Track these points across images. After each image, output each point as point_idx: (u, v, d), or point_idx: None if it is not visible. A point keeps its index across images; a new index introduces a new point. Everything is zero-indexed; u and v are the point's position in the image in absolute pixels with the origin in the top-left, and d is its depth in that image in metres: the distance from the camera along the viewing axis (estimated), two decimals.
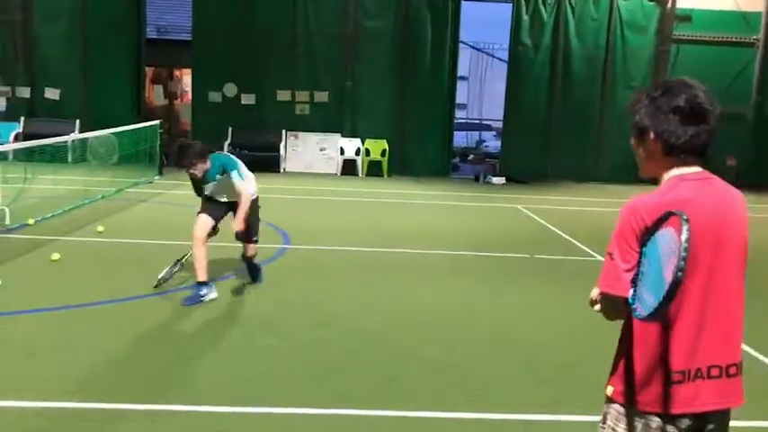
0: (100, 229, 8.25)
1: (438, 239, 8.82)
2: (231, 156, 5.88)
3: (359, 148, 16.79)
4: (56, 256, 6.73)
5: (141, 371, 4.23)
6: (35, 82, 16.61)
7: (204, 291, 5.59)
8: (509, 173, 17.01)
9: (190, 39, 17.02)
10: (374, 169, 16.65)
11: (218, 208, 5.82)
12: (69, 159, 15.90)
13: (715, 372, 1.96)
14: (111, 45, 16.60)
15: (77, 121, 16.23)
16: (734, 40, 17.46)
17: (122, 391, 3.88)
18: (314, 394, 3.93)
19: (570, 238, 9.30)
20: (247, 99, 16.72)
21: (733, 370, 1.98)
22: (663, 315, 1.82)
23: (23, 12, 16.31)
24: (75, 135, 13.95)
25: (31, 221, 8.42)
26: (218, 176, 5.63)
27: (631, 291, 1.88)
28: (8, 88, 16.66)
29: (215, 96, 16.78)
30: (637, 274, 1.89)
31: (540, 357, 4.77)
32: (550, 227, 10.22)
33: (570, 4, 17.13)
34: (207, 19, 16.67)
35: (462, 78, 43.15)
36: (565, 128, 17.50)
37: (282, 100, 16.89)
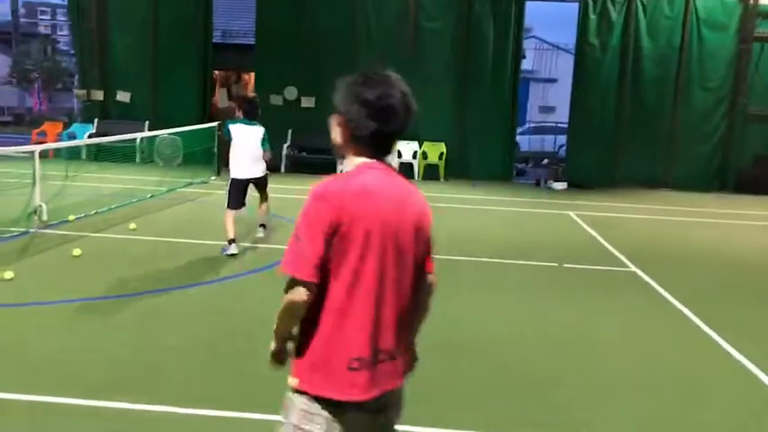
0: (132, 226, 8.49)
1: (463, 245, 8.54)
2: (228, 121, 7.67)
3: (416, 152, 16.63)
4: (77, 251, 6.96)
5: (78, 368, 4.26)
6: (108, 86, 17.42)
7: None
8: (573, 178, 16.39)
9: (253, 43, 17.37)
10: (431, 173, 16.44)
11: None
12: (137, 160, 16.64)
13: (385, 357, 2.04)
14: (179, 50, 17.16)
15: (146, 123, 16.86)
16: None
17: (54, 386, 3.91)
18: None
19: (611, 248, 8.80)
20: (307, 102, 16.88)
21: (400, 353, 2.10)
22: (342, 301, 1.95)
23: (99, 20, 17.12)
24: (130, 135, 14.39)
25: (71, 218, 8.78)
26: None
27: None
28: (84, 91, 17.57)
29: (276, 99, 17.04)
30: (324, 262, 1.96)
31: (519, 372, 4.48)
32: (596, 235, 9.73)
33: (641, 2, 16.32)
34: (269, 23, 16.96)
35: (551, 81, 42.13)
36: (634, 131, 16.68)
37: None
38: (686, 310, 5.91)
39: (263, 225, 8.21)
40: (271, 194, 8.14)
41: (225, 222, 7.32)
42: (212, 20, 17.45)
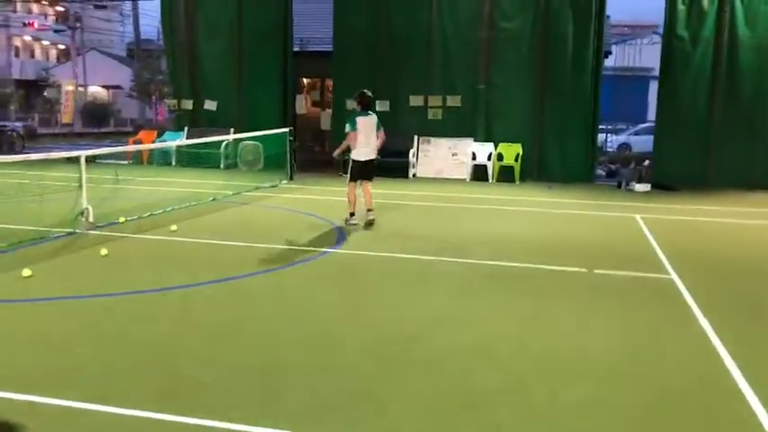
0: (173, 228, 8.86)
1: (496, 246, 8.22)
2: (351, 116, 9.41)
3: (491, 153, 16.25)
4: (104, 251, 7.35)
5: (55, 367, 4.44)
6: (197, 95, 18.32)
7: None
8: (659, 179, 15.39)
9: (328, 50, 17.67)
10: (506, 175, 16.00)
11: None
12: (222, 165, 17.41)
13: None
14: (261, 59, 17.79)
15: (231, 130, 17.58)
16: None
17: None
18: None
19: (660, 253, 8.16)
20: (382, 106, 16.87)
21: None
22: None
23: (188, 32, 18.07)
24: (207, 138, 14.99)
25: (122, 220, 9.29)
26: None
27: None
28: (175, 101, 18.59)
29: (352, 104, 17.18)
30: None
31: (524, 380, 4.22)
32: (651, 239, 9.06)
33: None
34: (346, 30, 17.20)
35: (654, 78, 39.97)
36: (730, 129, 15.41)
37: (415, 105, 16.89)
38: (709, 329, 5.27)
39: (370, 210, 9.48)
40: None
41: (348, 194, 9.53)
42: (292, 29, 17.91)
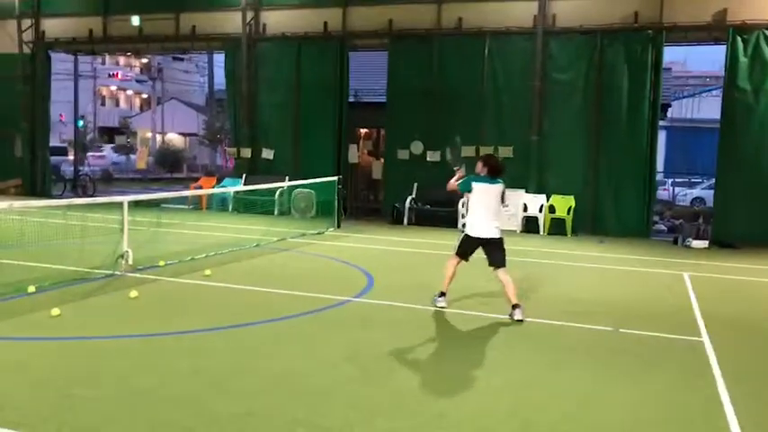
0: (207, 272, 9.08)
1: (537, 301, 8.02)
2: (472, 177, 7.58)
3: (542, 205, 16.01)
4: (134, 293, 7.59)
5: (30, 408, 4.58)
6: (256, 144, 18.94)
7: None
8: (719, 236, 14.77)
9: (383, 101, 18.01)
10: (558, 227, 15.69)
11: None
12: (275, 212, 17.84)
13: None
14: (318, 110, 18.29)
15: (287, 178, 18.01)
16: None
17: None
18: None
19: (698, 314, 7.77)
20: (433, 156, 17.03)
21: None
22: None
23: (249, 84, 18.80)
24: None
25: (161, 263, 9.61)
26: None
27: None
28: (235, 149, 19.26)
29: (403, 154, 17.43)
30: None
31: None
32: (693, 299, 8.65)
33: None
34: (399, 82, 17.54)
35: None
36: None
37: (466, 156, 16.80)
38: (728, 403, 4.93)
39: (516, 306, 7.18)
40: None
41: (446, 268, 7.63)
42: (348, 81, 18.37)
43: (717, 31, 15.33)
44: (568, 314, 7.57)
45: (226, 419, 4.32)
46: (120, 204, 9.13)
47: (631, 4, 15.66)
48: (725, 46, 15.16)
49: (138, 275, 8.79)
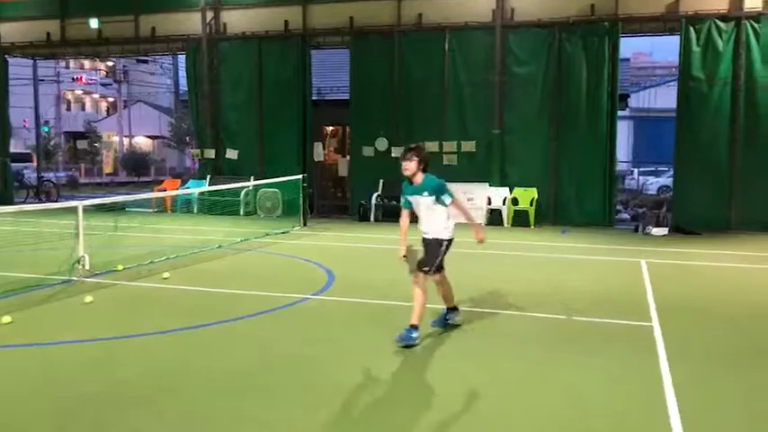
0: (165, 275, 9.03)
1: (484, 293, 8.12)
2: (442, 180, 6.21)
3: (505, 198, 16.16)
4: (89, 298, 7.53)
5: None
6: (220, 144, 18.83)
7: (415, 335, 6.00)
8: (680, 222, 15.05)
9: (344, 98, 18.03)
10: (521, 219, 15.85)
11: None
12: (241, 212, 17.77)
13: None
14: (281, 108, 18.26)
15: (252, 178, 17.94)
16: None
17: None
18: None
19: (651, 300, 7.93)
20: (397, 152, 17.04)
21: None
22: None
23: (211, 84, 18.68)
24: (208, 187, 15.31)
25: (120, 267, 9.52)
26: (426, 194, 6.11)
27: None
28: (198, 150, 19.13)
29: (368, 151, 17.47)
30: None
31: None
32: (648, 286, 8.82)
33: (753, 27, 14.84)
34: (362, 79, 17.55)
35: None
36: (753, 170, 14.99)
37: (430, 151, 16.87)
38: (669, 385, 5.03)
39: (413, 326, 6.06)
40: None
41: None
42: (310, 79, 18.35)
43: (670, 21, 15.61)
44: (523, 303, 7.68)
45: (173, 419, 4.33)
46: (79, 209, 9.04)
47: None
48: (679, 36, 15.42)
49: (95, 280, 8.70)
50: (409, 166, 6.13)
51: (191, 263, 10.25)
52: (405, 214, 6.34)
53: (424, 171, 6.19)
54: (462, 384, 5.05)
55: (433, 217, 6.16)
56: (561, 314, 7.20)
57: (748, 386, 5.10)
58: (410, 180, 6.19)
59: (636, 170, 36.02)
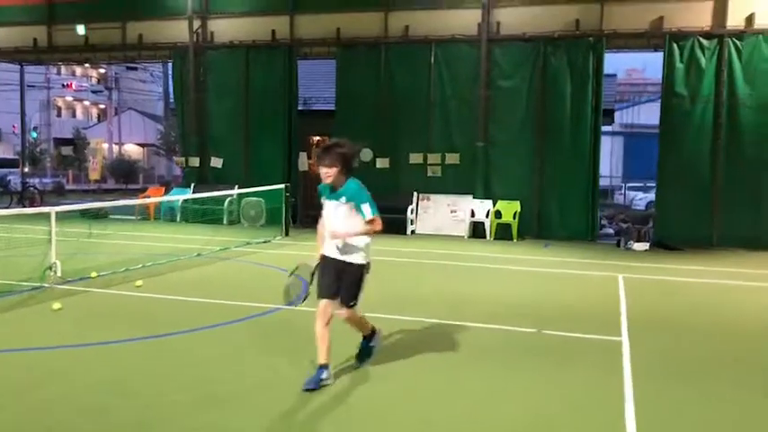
0: (138, 283, 8.96)
1: (458, 306, 8.09)
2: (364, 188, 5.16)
3: (489, 210, 16.17)
4: (56, 305, 7.45)
5: None
6: (205, 152, 18.79)
7: (325, 374, 5.08)
8: (662, 238, 15.10)
9: (329, 108, 18.04)
10: (504, 232, 15.86)
11: (328, 273, 5.23)
12: (225, 221, 17.70)
13: None
14: (267, 117, 18.26)
15: (236, 187, 17.89)
16: None
17: None
18: None
19: (624, 315, 7.92)
20: (382, 163, 17.10)
21: None
22: None
23: (197, 92, 18.67)
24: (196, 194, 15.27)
25: (93, 275, 9.44)
26: (344, 200, 5.05)
27: None
28: (183, 158, 19.08)
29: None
30: None
31: None
32: (622, 300, 8.81)
33: (736, 46, 14.96)
34: (347, 89, 17.58)
35: None
36: (735, 187, 15.07)
37: (415, 162, 17.00)
38: (630, 402, 5.01)
39: (322, 366, 5.18)
40: None
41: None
42: (297, 89, 18.36)
43: (654, 38, 15.71)
44: (496, 316, 7.66)
45: (130, 427, 4.27)
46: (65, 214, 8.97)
47: (572, 12, 15.96)
48: (662, 53, 15.53)
49: (66, 287, 8.62)
50: (330, 174, 5.00)
51: (166, 271, 10.18)
52: (322, 219, 5.35)
53: (348, 174, 5.08)
54: (421, 397, 5.01)
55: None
56: (532, 328, 7.18)
57: (709, 402, 5.08)
58: (328, 183, 5.07)
59: (624, 185, 36.20)
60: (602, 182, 30.99)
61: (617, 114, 44.22)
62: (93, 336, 6.44)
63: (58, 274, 8.81)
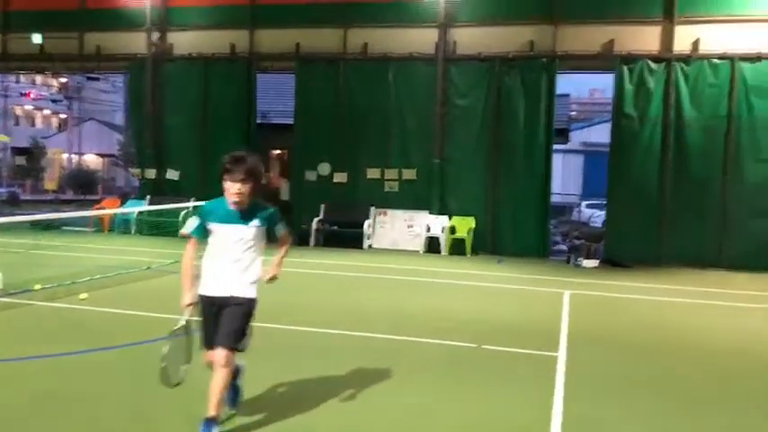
0: (83, 296, 8.85)
1: (411, 320, 8.18)
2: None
3: (444, 226, 16.35)
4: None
5: None
6: (161, 165, 18.65)
7: (215, 430, 4.22)
8: (611, 255, 15.44)
9: (289, 122, 18.10)
10: (459, 248, 16.04)
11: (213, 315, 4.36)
12: (180, 234, 17.51)
13: None
14: (225, 130, 18.19)
15: (192, 199, 17.76)
16: None
17: None
18: None
19: (564, 331, 8.09)
20: (339, 177, 17.20)
21: None
22: None
23: (154, 103, 18.57)
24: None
25: (37, 287, 9.30)
26: (255, 223, 4.31)
27: None
28: (139, 170, 18.92)
29: (310, 175, 17.52)
30: None
31: None
32: (565, 317, 9.01)
33: (683, 70, 15.46)
34: (306, 104, 17.68)
35: None
36: (681, 206, 15.51)
37: (372, 178, 17.13)
38: (558, 412, 5.15)
39: (210, 420, 4.29)
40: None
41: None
42: (255, 103, 18.38)
43: (605, 60, 16.14)
44: (437, 331, 7.76)
45: None
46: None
47: (527, 33, 16.33)
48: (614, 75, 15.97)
49: (7, 300, 8.48)
50: (244, 192, 4.22)
51: (113, 284, 10.08)
52: (192, 246, 4.45)
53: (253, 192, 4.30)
54: (352, 412, 5.07)
55: (248, 263, 4.37)
56: (472, 342, 7.29)
57: (632, 420, 5.23)
58: (236, 204, 4.27)
59: (580, 203, 36.89)
60: (562, 199, 31.68)
61: (578, 133, 45.13)
62: (27, 349, 6.36)
63: (0, 286, 8.67)
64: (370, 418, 4.95)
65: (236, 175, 4.19)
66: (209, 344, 4.34)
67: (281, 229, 4.53)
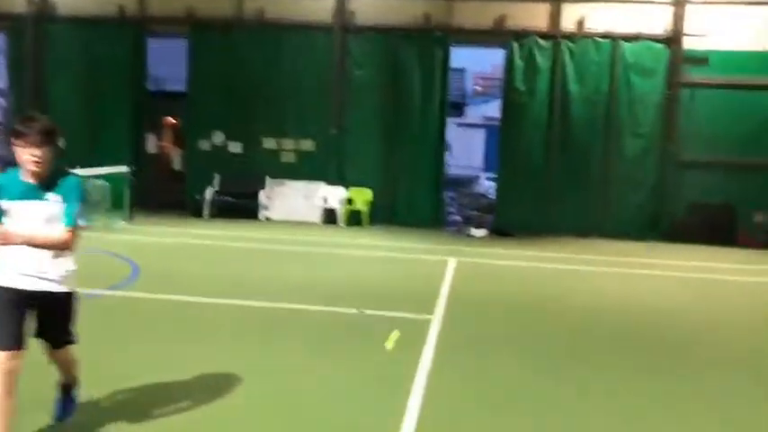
0: None
1: (298, 289, 8.26)
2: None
3: (341, 197, 16.44)
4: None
5: None
6: None
7: None
8: (500, 225, 16.03)
9: (183, 90, 17.57)
10: (357, 219, 16.19)
11: (15, 312, 3.56)
12: None
13: None
14: (114, 97, 17.41)
15: (77, 168, 16.94)
16: (761, 83, 15.63)
17: None
18: None
19: (443, 296, 8.41)
20: (234, 147, 16.91)
21: None
22: None
23: (34, 67, 17.55)
24: None
25: None
26: (56, 198, 3.63)
27: None
28: None
29: (204, 144, 17.12)
30: None
31: None
32: (447, 283, 9.34)
33: (569, 47, 16.11)
34: (200, 71, 17.16)
35: None
36: (565, 178, 16.23)
37: (268, 148, 16.94)
38: (423, 372, 5.39)
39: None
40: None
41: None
42: (146, 68, 17.70)
43: (498, 36, 16.55)
44: (320, 298, 7.89)
45: None
46: None
47: (423, 6, 16.47)
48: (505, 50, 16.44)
49: None
50: (43, 159, 3.57)
51: None
52: None
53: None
54: (215, 380, 5.11)
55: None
56: (353, 308, 7.46)
57: (492, 374, 5.55)
58: (35, 175, 3.59)
59: (484, 176, 37.97)
60: (465, 172, 32.42)
61: (481, 107, 46.16)
62: None
63: None
64: (247, 381, 5.00)
65: (30, 138, 3.49)
66: (6, 346, 3.49)
67: (69, 220, 3.61)
